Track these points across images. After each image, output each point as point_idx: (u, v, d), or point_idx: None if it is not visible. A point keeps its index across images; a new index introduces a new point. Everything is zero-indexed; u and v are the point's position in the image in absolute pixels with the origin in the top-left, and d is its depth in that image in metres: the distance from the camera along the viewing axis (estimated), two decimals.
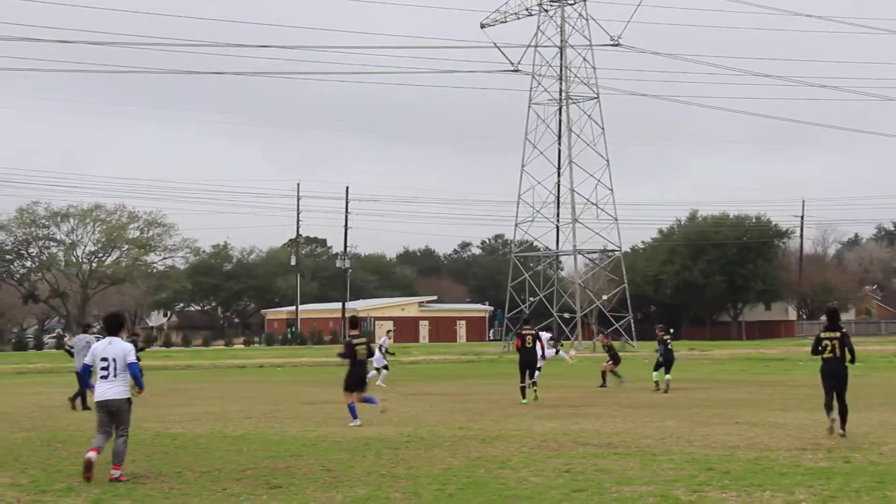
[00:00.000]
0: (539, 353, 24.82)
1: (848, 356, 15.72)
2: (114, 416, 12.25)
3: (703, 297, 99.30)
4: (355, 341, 18.03)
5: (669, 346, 27.10)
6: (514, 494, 10.92)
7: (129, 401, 12.35)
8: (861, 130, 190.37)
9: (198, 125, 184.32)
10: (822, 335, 15.95)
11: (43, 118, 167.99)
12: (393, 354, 35.68)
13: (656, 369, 27.19)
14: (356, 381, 17.99)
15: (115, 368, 12.21)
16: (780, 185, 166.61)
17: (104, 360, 12.24)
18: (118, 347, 12.29)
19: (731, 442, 15.09)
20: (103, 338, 12.73)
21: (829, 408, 15.78)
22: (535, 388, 23.97)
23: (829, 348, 15.73)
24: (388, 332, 38.45)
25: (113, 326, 12.62)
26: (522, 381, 23.43)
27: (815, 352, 16.12)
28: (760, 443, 14.94)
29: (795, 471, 12.23)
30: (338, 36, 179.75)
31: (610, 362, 29.67)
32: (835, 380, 15.71)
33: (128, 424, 12.38)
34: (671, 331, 28.60)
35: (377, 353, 30.28)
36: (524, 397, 23.17)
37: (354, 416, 17.98)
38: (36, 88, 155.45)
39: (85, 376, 12.81)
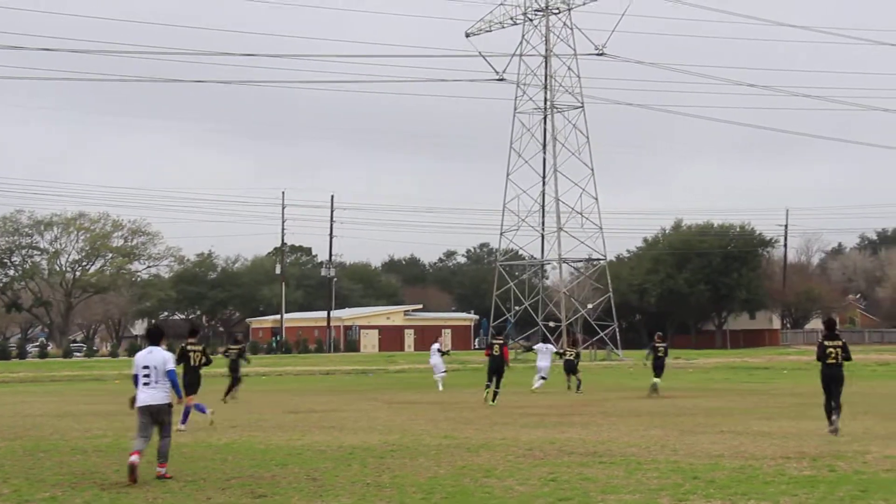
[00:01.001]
0: (506, 361, 26.45)
1: (846, 359, 17.60)
2: (155, 419, 13.00)
3: (688, 306, 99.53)
4: (190, 348, 19.60)
5: (660, 354, 28.77)
6: (499, 503, 10.91)
7: (169, 405, 13.15)
8: (845, 140, 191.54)
9: (182, 134, 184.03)
10: (826, 343, 17.62)
11: (25, 126, 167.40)
12: (447, 353, 37.31)
13: (655, 375, 28.93)
14: (188, 385, 18.88)
15: (155, 376, 13.03)
16: (764, 195, 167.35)
17: (146, 367, 13.07)
18: (158, 356, 13.14)
19: (716, 451, 15.12)
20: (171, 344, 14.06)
21: (828, 411, 17.42)
22: (496, 391, 25.68)
23: (832, 355, 17.48)
24: (438, 338, 39.86)
25: (154, 337, 13.55)
26: (489, 382, 25.77)
27: (819, 358, 17.72)
28: (745, 451, 14.98)
29: (780, 479, 12.26)
30: (324, 45, 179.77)
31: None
32: (835, 383, 17.47)
33: (170, 427, 13.20)
34: (660, 338, 30.40)
35: (434, 358, 33.43)
36: (490, 399, 25.36)
37: (184, 421, 18.88)
38: (18, 96, 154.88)
39: (136, 384, 13.31)
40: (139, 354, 13.34)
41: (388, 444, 16.50)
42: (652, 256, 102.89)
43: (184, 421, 18.93)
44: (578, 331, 71.00)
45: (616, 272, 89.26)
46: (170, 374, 13.09)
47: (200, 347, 19.73)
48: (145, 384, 13.01)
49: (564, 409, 23.76)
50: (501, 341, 26.52)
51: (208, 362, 20.08)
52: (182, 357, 19.46)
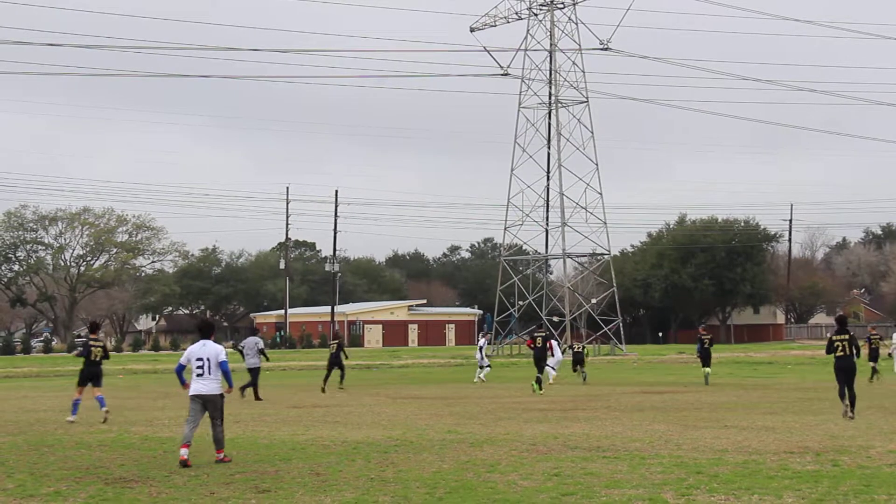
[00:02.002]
0: (551, 353, 30.33)
1: (859, 353, 19.28)
2: (208, 407, 13.92)
3: (692, 301, 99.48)
4: (92, 343, 20.74)
5: (706, 345, 31.31)
6: (502, 498, 10.91)
7: (221, 395, 14.05)
8: (849, 135, 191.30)
9: (187, 129, 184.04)
10: (835, 338, 19.21)
11: (29, 121, 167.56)
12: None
13: (703, 365, 31.74)
14: (86, 377, 20.34)
15: (208, 367, 13.92)
16: (768, 190, 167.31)
17: (199, 359, 13.97)
18: (211, 349, 14.05)
19: (720, 445, 15.11)
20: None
21: (842, 395, 19.08)
22: (539, 377, 28.40)
23: (840, 348, 19.03)
24: (485, 334, 41.12)
25: (206, 331, 14.38)
26: (539, 373, 28.68)
27: (829, 351, 19.36)
28: (749, 446, 14.97)
29: (783, 474, 12.25)
30: (327, 39, 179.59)
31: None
32: (847, 373, 19.02)
33: (222, 415, 14.04)
34: (705, 330, 33.14)
35: (478, 354, 34.70)
36: (537, 389, 27.88)
37: (74, 412, 20.13)
38: (22, 91, 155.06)
39: (180, 372, 14.37)
40: (193, 347, 14.16)
41: (392, 439, 16.51)
42: (656, 251, 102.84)
43: (74, 412, 20.28)
44: (583, 326, 71.04)
45: (620, 267, 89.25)
46: (222, 366, 13.97)
47: (101, 343, 20.89)
48: (199, 375, 13.91)
49: (568, 404, 23.76)
50: (544, 334, 30.09)
51: (106, 357, 21.08)
52: (85, 350, 20.69)
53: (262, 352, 27.56)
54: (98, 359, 20.67)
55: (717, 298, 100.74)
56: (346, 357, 31.42)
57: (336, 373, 30.42)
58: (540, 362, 29.02)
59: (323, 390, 28.94)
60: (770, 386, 30.71)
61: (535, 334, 30.25)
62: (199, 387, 13.91)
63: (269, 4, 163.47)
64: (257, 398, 26.17)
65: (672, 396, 26.06)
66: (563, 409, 22.22)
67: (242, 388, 26.30)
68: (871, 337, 32.61)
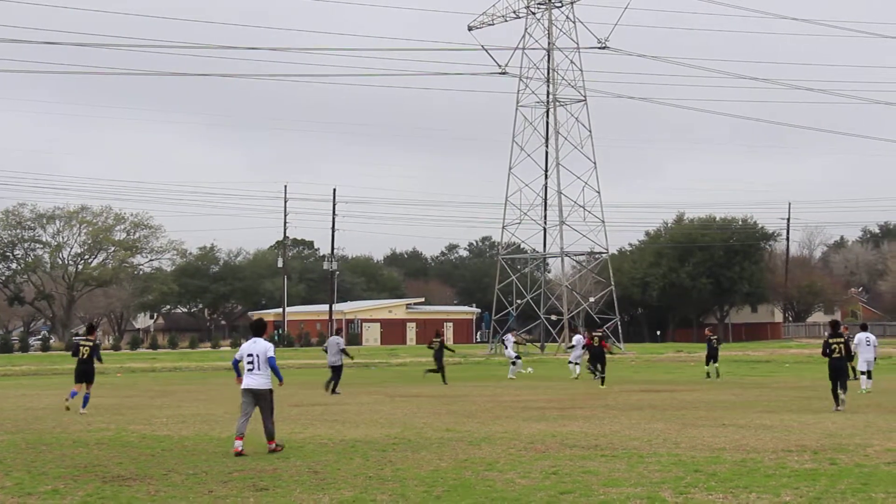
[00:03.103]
0: (609, 351, 32.80)
1: (849, 358, 21.54)
2: (258, 401, 14.77)
3: (690, 300, 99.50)
4: (81, 342, 22.18)
5: (714, 345, 33.11)
6: (501, 496, 10.92)
7: (270, 390, 14.90)
8: (847, 133, 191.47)
9: (184, 127, 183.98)
10: (830, 340, 21.24)
11: (27, 119, 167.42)
12: (525, 344, 40.89)
13: (706, 363, 33.74)
14: (79, 374, 22.06)
15: (258, 363, 14.81)
16: (766, 188, 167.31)
17: (250, 355, 14.88)
18: (261, 346, 14.89)
19: (718, 444, 15.12)
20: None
21: (835, 396, 20.89)
22: (603, 376, 30.94)
23: (836, 350, 21.07)
24: (514, 331, 43.29)
25: (258, 329, 15.25)
26: (593, 368, 31.44)
27: (824, 354, 21.36)
28: (746, 445, 14.98)
29: (781, 472, 12.26)
30: (325, 38, 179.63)
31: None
32: (840, 372, 20.95)
33: (271, 408, 14.89)
34: (711, 330, 35.15)
35: (508, 351, 36.96)
36: (600, 383, 30.23)
37: (79, 403, 21.78)
38: (19, 89, 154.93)
39: (236, 365, 15.28)
40: (245, 344, 15.08)
41: (390, 437, 16.51)
42: (654, 250, 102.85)
43: (84, 405, 21.87)
44: (581, 324, 71.02)
45: (618, 265, 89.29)
46: (270, 361, 14.81)
47: (90, 344, 22.14)
48: (249, 370, 14.83)
49: (566, 403, 23.77)
50: (600, 334, 32.94)
51: (99, 360, 22.36)
52: (75, 350, 22.33)
53: (343, 350, 29.04)
54: (86, 356, 21.88)
55: (715, 297, 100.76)
56: (453, 352, 34.60)
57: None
58: (595, 360, 31.66)
59: (445, 383, 31.79)
60: (768, 384, 30.72)
61: (594, 334, 32.85)
62: (249, 381, 14.83)
63: (268, 3, 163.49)
64: (335, 392, 27.83)
65: (670, 395, 26.07)
66: (561, 408, 22.23)
67: (327, 385, 28.26)
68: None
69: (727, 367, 43.81)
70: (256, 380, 14.85)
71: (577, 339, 36.41)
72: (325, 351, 29.61)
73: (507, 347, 36.53)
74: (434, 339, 33.54)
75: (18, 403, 25.65)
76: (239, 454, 14.29)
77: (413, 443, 15.69)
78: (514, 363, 36.24)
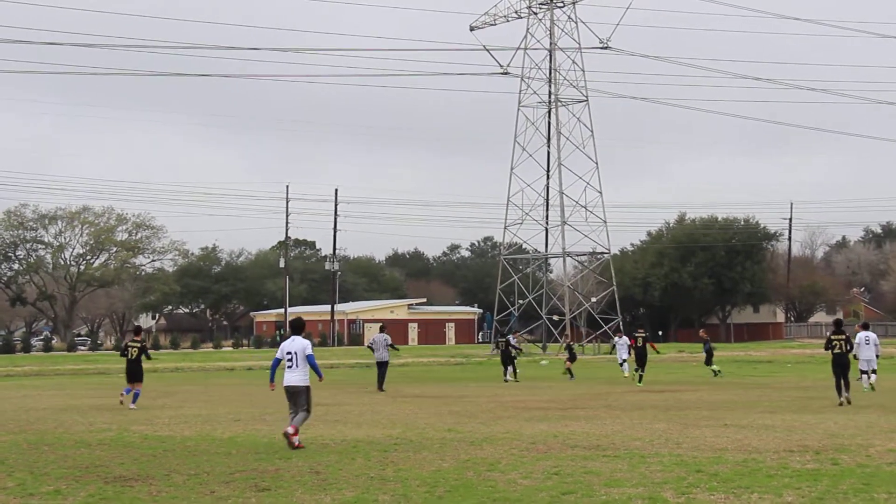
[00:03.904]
0: (655, 351, 33.67)
1: (852, 347, 23.21)
2: (295, 397, 15.25)
3: (692, 300, 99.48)
4: (130, 344, 24.03)
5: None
6: (502, 497, 10.91)
7: (307, 387, 15.33)
8: (849, 133, 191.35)
9: (186, 128, 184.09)
10: (833, 337, 22.71)
11: (29, 120, 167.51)
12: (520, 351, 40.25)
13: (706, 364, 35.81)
14: (130, 373, 23.75)
15: (296, 360, 15.24)
16: (768, 188, 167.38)
17: (289, 353, 15.33)
18: (299, 343, 15.33)
19: (720, 444, 15.11)
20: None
21: (838, 389, 22.17)
22: (641, 374, 31.99)
23: (837, 346, 22.51)
24: (516, 332, 43.89)
25: (297, 328, 15.62)
26: (637, 368, 32.14)
27: (827, 348, 22.83)
28: (748, 445, 14.97)
29: (783, 473, 12.25)
30: (327, 38, 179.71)
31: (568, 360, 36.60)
32: (842, 367, 22.29)
33: (306, 403, 15.30)
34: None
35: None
36: (637, 381, 31.38)
37: (131, 400, 23.50)
38: (20, 90, 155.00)
39: (273, 366, 15.80)
40: (284, 342, 15.49)
41: (392, 437, 16.51)
42: (656, 250, 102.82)
43: (134, 401, 23.52)
44: (583, 324, 71.02)
45: (620, 266, 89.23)
46: (309, 359, 15.25)
47: (139, 344, 23.96)
48: (288, 367, 15.27)
49: (567, 403, 23.76)
50: (644, 334, 33.08)
51: (147, 357, 24.12)
52: (124, 351, 24.15)
53: (391, 346, 30.22)
54: (134, 357, 23.69)
55: (717, 297, 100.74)
56: (521, 352, 36.12)
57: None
58: (640, 359, 32.05)
59: (506, 380, 33.77)
60: (770, 385, 30.71)
61: (636, 334, 32.84)
62: (287, 378, 15.29)
63: (269, 4, 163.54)
64: (380, 389, 28.86)
65: (672, 395, 26.06)
66: (563, 408, 22.22)
67: (380, 383, 29.37)
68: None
69: (729, 366, 43.85)
70: (295, 377, 15.25)
71: (619, 340, 37.60)
72: (372, 349, 30.48)
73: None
74: (502, 339, 34.99)
75: (20, 404, 25.66)
76: (297, 447, 14.78)
77: (415, 443, 15.68)
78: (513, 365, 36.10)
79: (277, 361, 15.64)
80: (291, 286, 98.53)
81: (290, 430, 15.02)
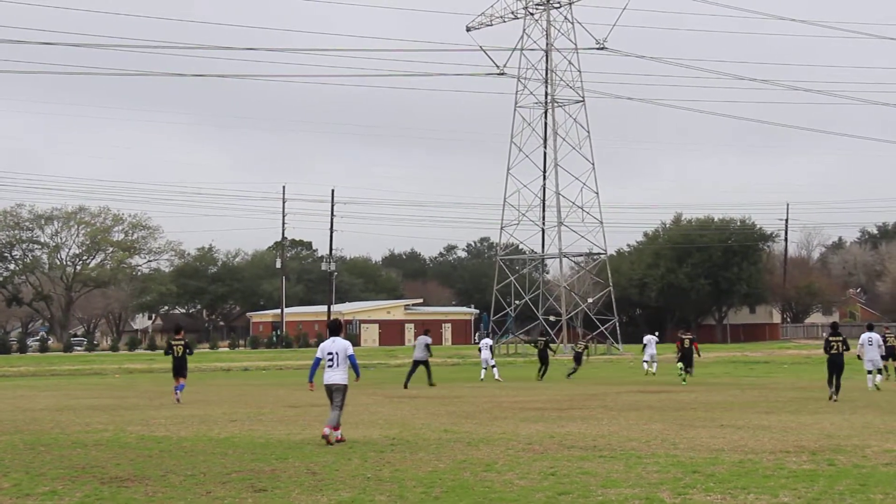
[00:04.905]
0: (698, 354, 34.20)
1: (846, 349, 24.02)
2: (335, 394, 15.77)
3: (688, 300, 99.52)
4: (174, 342, 25.57)
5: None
6: (499, 497, 10.91)
7: (345, 386, 15.84)
8: (845, 134, 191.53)
9: (183, 128, 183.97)
10: (830, 338, 23.98)
11: (24, 119, 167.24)
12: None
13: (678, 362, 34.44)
14: (176, 369, 25.32)
15: (337, 360, 15.79)
16: (764, 189, 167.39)
17: (330, 353, 15.85)
18: (340, 344, 15.87)
19: (716, 445, 15.12)
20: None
21: (830, 383, 23.56)
22: (688, 372, 32.72)
23: (834, 347, 23.83)
24: (487, 333, 44.48)
25: (335, 329, 16.17)
26: (681, 368, 32.66)
27: (825, 349, 24.11)
28: (745, 445, 14.98)
29: (780, 473, 12.26)
30: (324, 38, 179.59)
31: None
32: (837, 367, 23.52)
33: (343, 401, 15.86)
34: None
35: (485, 352, 36.24)
36: (684, 380, 31.96)
37: (177, 392, 24.91)
38: (16, 90, 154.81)
39: (314, 366, 16.19)
40: (324, 343, 16.01)
41: (389, 438, 16.50)
42: (652, 251, 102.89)
43: (178, 391, 24.98)
44: (579, 325, 71.05)
45: (616, 266, 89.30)
46: (351, 359, 15.82)
47: (182, 342, 25.51)
48: (329, 367, 15.80)
49: (564, 404, 23.77)
50: (691, 336, 34.12)
51: (190, 353, 25.82)
52: (169, 349, 25.64)
53: (427, 346, 31.90)
54: (180, 354, 25.35)
55: (714, 298, 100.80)
56: (554, 353, 36.83)
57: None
58: (687, 360, 32.79)
59: (538, 379, 34.60)
60: (766, 385, 30.73)
61: (682, 336, 34.02)
62: (329, 376, 15.78)
63: (266, 3, 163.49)
64: (406, 387, 30.23)
65: (668, 396, 26.07)
66: (560, 409, 22.23)
67: (430, 381, 30.99)
68: (886, 335, 32.43)
69: (725, 367, 43.91)
70: (336, 375, 15.75)
71: (649, 339, 38.90)
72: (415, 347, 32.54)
73: (485, 350, 35.87)
74: (539, 339, 35.95)
75: (16, 404, 25.63)
76: (331, 441, 15.36)
77: (411, 444, 15.68)
78: (493, 366, 35.47)
79: (318, 362, 16.02)
80: (288, 287, 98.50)
81: (327, 430, 15.47)
